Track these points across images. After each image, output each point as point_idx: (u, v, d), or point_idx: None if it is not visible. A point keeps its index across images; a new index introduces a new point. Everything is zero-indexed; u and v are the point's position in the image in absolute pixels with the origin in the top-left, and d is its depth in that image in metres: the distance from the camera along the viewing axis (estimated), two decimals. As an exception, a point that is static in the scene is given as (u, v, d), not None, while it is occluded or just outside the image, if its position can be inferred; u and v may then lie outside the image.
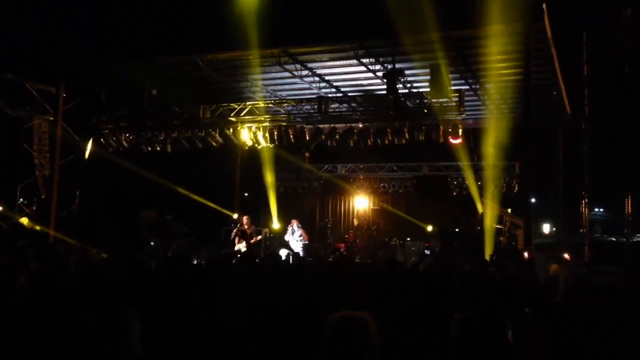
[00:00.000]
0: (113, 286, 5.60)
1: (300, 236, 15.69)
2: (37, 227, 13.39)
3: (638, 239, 17.16)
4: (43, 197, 16.22)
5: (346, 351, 2.48)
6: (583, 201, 15.88)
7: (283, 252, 15.42)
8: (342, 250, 16.54)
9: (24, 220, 11.80)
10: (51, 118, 16.00)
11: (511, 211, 17.89)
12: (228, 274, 6.24)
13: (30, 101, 15.94)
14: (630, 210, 15.29)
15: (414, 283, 5.65)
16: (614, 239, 21.71)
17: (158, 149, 15.77)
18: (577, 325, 4.87)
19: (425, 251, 15.17)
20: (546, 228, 27.02)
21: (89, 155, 16.01)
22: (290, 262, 11.26)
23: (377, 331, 2.55)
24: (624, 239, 18.26)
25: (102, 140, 15.96)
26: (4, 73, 14.90)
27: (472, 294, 4.92)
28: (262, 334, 4.34)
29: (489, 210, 13.45)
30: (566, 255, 11.49)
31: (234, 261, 8.95)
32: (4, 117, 15.34)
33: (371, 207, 21.30)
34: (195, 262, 11.10)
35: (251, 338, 4.39)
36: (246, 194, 21.30)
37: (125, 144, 15.90)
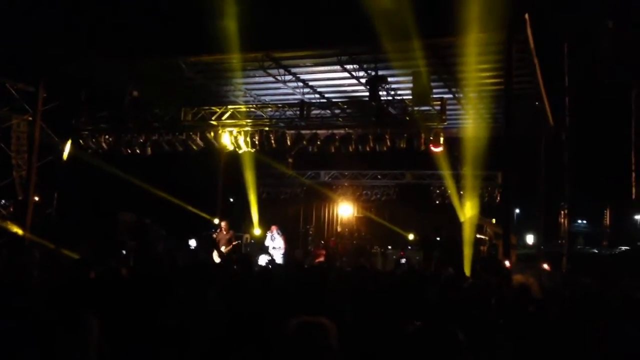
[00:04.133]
0: (78, 289, 5.46)
1: (279, 244, 15.52)
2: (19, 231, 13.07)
3: (617, 251, 17.22)
4: (20, 198, 15.94)
5: (305, 357, 2.40)
6: (562, 212, 15.90)
7: (263, 258, 15.28)
8: (322, 257, 16.41)
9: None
10: (30, 118, 15.76)
11: (495, 221, 17.95)
12: (196, 281, 6.09)
13: (9, 101, 15.67)
14: (609, 222, 15.34)
15: (383, 290, 5.56)
16: (596, 251, 21.81)
17: (138, 151, 15.58)
18: (547, 334, 4.82)
19: (401, 260, 15.10)
20: (530, 239, 27.13)
21: (67, 157, 15.77)
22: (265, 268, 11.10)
23: (336, 336, 2.48)
24: (605, 251, 18.37)
25: (81, 141, 15.75)
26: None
27: (444, 303, 4.84)
28: (221, 341, 4.22)
29: (469, 220, 13.41)
30: (545, 266, 11.48)
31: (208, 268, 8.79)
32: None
33: (355, 214, 21.22)
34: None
35: (212, 347, 4.27)
36: (231, 200, 21.14)
37: (105, 146, 15.70)
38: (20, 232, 14.40)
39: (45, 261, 7.28)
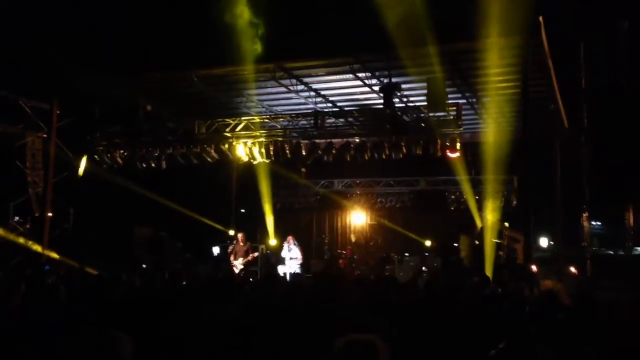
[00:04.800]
0: (104, 308, 5.43)
1: (296, 254, 15.41)
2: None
3: (638, 252, 17.00)
4: (37, 215, 16.00)
5: None
6: (583, 215, 15.72)
7: (280, 269, 15.22)
8: (341, 266, 16.31)
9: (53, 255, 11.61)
10: (45, 135, 15.85)
11: (509, 225, 17.77)
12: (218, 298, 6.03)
13: (24, 118, 15.77)
14: (632, 223, 15.14)
15: (414, 302, 5.47)
16: (612, 253, 21.55)
17: (153, 165, 15.60)
18: (580, 341, 4.71)
19: (423, 267, 14.96)
20: (544, 242, 26.84)
21: (83, 173, 15.82)
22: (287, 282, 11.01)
23: (387, 356, 2.40)
24: (623, 253, 18.13)
25: (96, 157, 15.80)
26: (-4, 90, 14.76)
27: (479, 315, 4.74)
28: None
29: (488, 225, 13.29)
30: (572, 269, 11.32)
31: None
32: (-4, 135, 15.19)
33: (368, 222, 21.11)
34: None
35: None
36: (242, 210, 21.11)
37: (120, 161, 15.74)
38: (38, 249, 14.45)
39: (70, 279, 7.25)
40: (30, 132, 16.01)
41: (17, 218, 16.41)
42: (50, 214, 15.58)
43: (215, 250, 16.48)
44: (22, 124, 15.83)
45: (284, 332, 4.78)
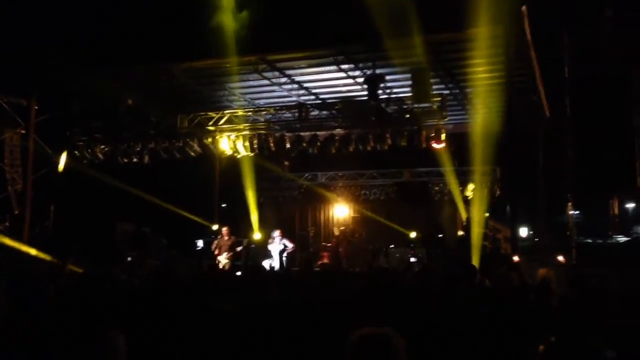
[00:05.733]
0: (93, 306, 5.31)
1: (285, 246, 15.24)
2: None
3: (619, 240, 17.21)
4: (16, 212, 15.69)
5: None
6: (568, 204, 15.86)
7: (266, 263, 15.10)
8: (324, 259, 16.26)
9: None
10: (23, 131, 15.52)
11: (489, 215, 17.86)
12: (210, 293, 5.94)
13: (0, 114, 15.43)
14: (617, 212, 15.30)
15: (407, 293, 5.43)
16: (590, 241, 21.83)
17: (135, 160, 15.38)
18: (576, 327, 4.71)
19: (411, 258, 14.97)
20: (523, 232, 27.11)
21: (63, 169, 15.54)
22: (275, 274, 10.92)
23: (404, 350, 2.32)
24: (603, 241, 18.33)
25: (76, 152, 15.52)
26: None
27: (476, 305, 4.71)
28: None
29: (475, 215, 13.33)
30: (560, 258, 11.40)
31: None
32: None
33: (352, 214, 21.09)
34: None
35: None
36: (225, 205, 20.94)
37: (101, 156, 15.50)
38: (19, 246, 14.16)
39: (54, 276, 7.09)
40: (7, 128, 15.66)
41: (-2, 217, 16.08)
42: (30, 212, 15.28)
43: (199, 243, 16.33)
44: (-1, 120, 15.49)
45: (278, 327, 4.71)
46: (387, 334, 2.30)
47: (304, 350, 4.07)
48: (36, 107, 15.13)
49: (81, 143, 15.50)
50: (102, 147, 15.48)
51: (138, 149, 15.24)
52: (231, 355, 4.30)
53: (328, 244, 18.29)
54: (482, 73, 13.07)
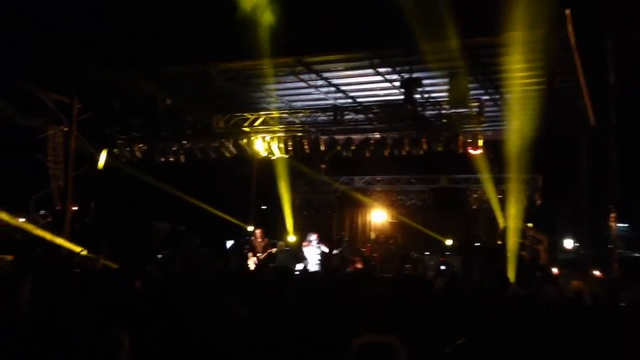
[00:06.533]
0: (110, 302, 5.36)
1: (321, 250, 15.04)
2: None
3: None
4: (58, 208, 16.08)
5: None
6: (610, 215, 15.29)
7: (300, 266, 15.00)
8: (359, 264, 16.07)
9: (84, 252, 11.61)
10: (66, 128, 15.90)
11: (532, 225, 17.38)
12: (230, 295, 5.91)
13: (45, 111, 15.84)
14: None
15: (433, 301, 5.28)
16: (638, 255, 20.98)
17: (171, 159, 15.58)
18: (610, 345, 4.49)
19: (441, 266, 14.69)
20: (568, 243, 26.27)
21: (102, 166, 15.85)
22: (300, 277, 10.82)
23: (407, 357, 2.23)
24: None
25: (115, 150, 15.81)
26: (19, 83, 14.83)
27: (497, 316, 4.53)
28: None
29: (511, 224, 12.97)
30: (597, 272, 10.97)
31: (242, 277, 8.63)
32: (18, 128, 15.26)
33: (388, 220, 20.87)
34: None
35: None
36: (264, 207, 21.02)
37: (139, 155, 15.74)
38: (59, 242, 14.49)
39: (86, 271, 7.22)
40: (51, 125, 16.08)
41: (42, 212, 16.51)
42: (74, 208, 15.65)
43: (229, 244, 16.41)
44: (44, 118, 15.89)
45: (296, 329, 4.64)
46: (389, 342, 2.22)
47: (313, 354, 3.97)
48: (79, 105, 15.48)
49: (120, 141, 15.78)
50: (141, 145, 15.72)
51: (174, 148, 15.42)
52: (241, 355, 4.24)
53: (362, 249, 18.11)
54: (523, 78, 12.72)
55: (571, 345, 4.29)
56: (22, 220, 15.94)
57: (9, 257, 13.20)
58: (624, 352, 4.13)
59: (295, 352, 4.34)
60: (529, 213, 17.00)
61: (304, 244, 15.34)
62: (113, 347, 2.90)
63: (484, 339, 4.20)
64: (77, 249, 12.36)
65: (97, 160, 15.97)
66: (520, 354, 4.08)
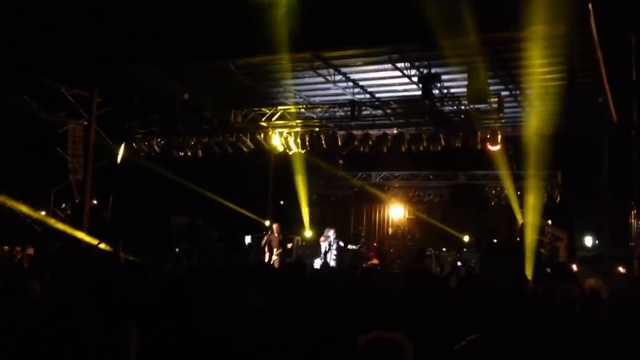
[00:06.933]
0: (132, 294, 5.40)
1: (339, 245, 14.98)
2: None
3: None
4: (77, 201, 16.25)
5: None
6: (632, 212, 15.06)
7: (317, 261, 14.99)
8: (374, 259, 16.03)
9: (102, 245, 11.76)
10: (85, 123, 16.06)
11: (551, 222, 17.19)
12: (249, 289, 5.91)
13: (65, 106, 16.01)
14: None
15: (446, 298, 5.23)
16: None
17: (189, 154, 15.65)
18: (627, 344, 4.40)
19: (457, 262, 14.58)
20: (588, 241, 25.96)
21: (121, 160, 15.98)
22: (315, 273, 10.79)
23: (415, 355, 2.21)
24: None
25: (134, 145, 15.93)
26: (40, 77, 15.00)
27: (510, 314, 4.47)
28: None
29: (529, 221, 12.83)
30: (620, 269, 10.80)
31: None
32: (38, 121, 15.45)
33: (406, 216, 20.78)
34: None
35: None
36: (281, 202, 21.05)
37: (157, 149, 15.85)
38: (78, 235, 14.66)
39: (104, 264, 7.29)
40: (71, 119, 16.25)
41: (63, 205, 16.71)
42: (93, 202, 15.82)
43: (247, 239, 16.46)
44: (64, 112, 16.06)
45: (309, 324, 4.63)
46: (396, 338, 2.19)
47: (324, 349, 3.96)
48: (98, 100, 15.63)
49: (139, 136, 15.89)
50: (159, 140, 15.82)
51: (192, 142, 15.49)
52: (257, 348, 4.24)
53: (378, 245, 18.04)
54: (544, 74, 12.55)
55: (581, 345, 4.22)
56: (42, 213, 16.19)
57: (30, 250, 13.41)
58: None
59: (307, 346, 4.34)
60: (548, 210, 16.86)
61: (322, 239, 15.32)
62: (121, 339, 2.91)
63: (494, 336, 4.15)
64: (94, 241, 12.50)
65: (115, 155, 16.10)
66: (529, 353, 4.02)
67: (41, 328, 3.76)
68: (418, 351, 2.25)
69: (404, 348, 2.19)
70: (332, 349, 4.19)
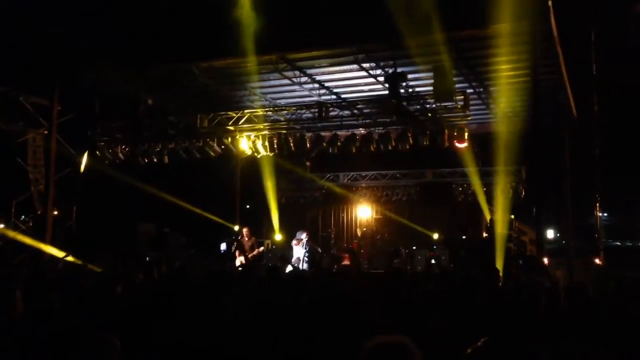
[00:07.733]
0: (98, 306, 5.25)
1: (311, 249, 14.90)
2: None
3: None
4: (39, 212, 15.81)
5: None
6: (597, 205, 15.41)
7: (289, 265, 14.83)
8: (347, 260, 16.02)
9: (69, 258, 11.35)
10: (45, 132, 15.64)
11: (514, 217, 17.47)
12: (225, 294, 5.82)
13: (24, 115, 15.58)
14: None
15: (426, 298, 5.22)
16: (619, 243, 21.21)
17: (155, 160, 15.37)
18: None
19: (432, 260, 14.69)
20: (550, 234, 26.52)
21: (84, 169, 15.60)
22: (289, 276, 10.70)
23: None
24: (632, 243, 17.80)
25: (97, 152, 15.56)
26: (-4, 87, 14.55)
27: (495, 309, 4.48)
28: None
29: (498, 217, 13.00)
30: (597, 261, 11.03)
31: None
32: (-4, 132, 15.00)
33: (374, 216, 20.84)
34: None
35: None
36: (247, 206, 20.88)
37: (121, 156, 15.51)
38: (41, 246, 14.24)
39: (69, 276, 7.07)
40: (31, 128, 15.82)
41: (22, 217, 16.25)
42: (55, 212, 15.39)
43: (222, 246, 16.24)
44: (23, 121, 15.63)
45: (286, 327, 4.57)
46: (404, 343, 2.14)
47: (304, 351, 3.90)
48: (58, 108, 15.21)
49: (102, 143, 15.52)
50: (123, 147, 15.48)
51: (158, 149, 15.21)
52: (236, 354, 4.16)
53: (350, 246, 18.06)
54: (507, 71, 12.75)
55: (576, 333, 4.27)
56: (1, 226, 15.70)
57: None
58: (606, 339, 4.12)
59: (286, 349, 4.28)
60: (514, 205, 17.14)
61: (294, 242, 15.21)
62: (105, 350, 2.83)
63: (494, 336, 4.15)
64: (60, 254, 12.16)
65: (78, 163, 15.71)
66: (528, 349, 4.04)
67: (25, 339, 3.64)
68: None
69: (412, 352, 2.14)
70: (311, 350, 4.14)
